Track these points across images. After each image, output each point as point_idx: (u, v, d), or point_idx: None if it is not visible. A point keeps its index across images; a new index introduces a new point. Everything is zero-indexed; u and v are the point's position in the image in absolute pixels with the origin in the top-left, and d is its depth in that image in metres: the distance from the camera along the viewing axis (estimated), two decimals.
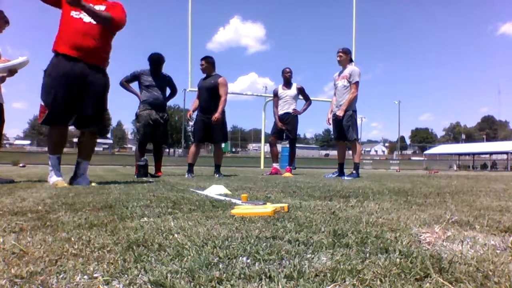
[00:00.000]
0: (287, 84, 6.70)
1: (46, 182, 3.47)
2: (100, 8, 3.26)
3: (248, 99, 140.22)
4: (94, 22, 3.19)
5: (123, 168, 13.44)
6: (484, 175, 8.92)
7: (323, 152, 72.31)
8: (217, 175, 5.50)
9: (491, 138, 78.44)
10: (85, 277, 0.69)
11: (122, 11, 3.38)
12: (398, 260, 0.78)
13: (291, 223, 1.22)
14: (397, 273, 0.70)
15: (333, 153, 47.94)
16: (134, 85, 5.60)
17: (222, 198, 2.09)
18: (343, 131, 5.63)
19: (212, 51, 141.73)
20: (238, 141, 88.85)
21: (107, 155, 47.38)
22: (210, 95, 5.52)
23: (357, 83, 5.57)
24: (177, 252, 0.85)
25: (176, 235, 1.03)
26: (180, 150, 49.19)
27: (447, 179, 5.41)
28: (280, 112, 6.62)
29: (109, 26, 3.27)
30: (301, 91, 6.74)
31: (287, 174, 6.24)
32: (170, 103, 6.66)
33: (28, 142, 65.32)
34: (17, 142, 67.31)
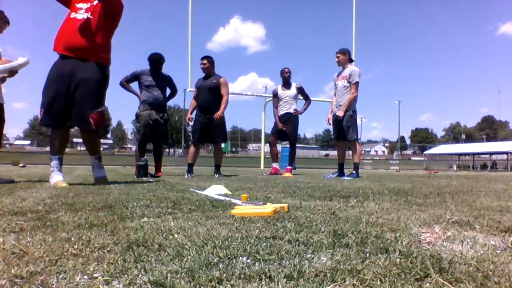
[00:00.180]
0: (287, 84, 6.70)
1: (46, 182, 3.48)
2: None
3: (248, 99, 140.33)
4: (91, 16, 3.19)
5: (123, 168, 13.43)
6: (484, 175, 8.92)
7: (323, 152, 72.28)
8: (217, 175, 5.50)
9: (491, 138, 78.45)
10: (85, 277, 0.69)
11: None
12: (398, 260, 0.78)
13: (291, 223, 1.22)
14: (397, 273, 0.70)
15: (333, 153, 47.89)
16: (134, 85, 5.61)
17: (222, 198, 2.09)
18: (343, 131, 5.63)
19: (212, 51, 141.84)
20: (238, 141, 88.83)
21: (107, 155, 47.24)
22: (212, 95, 5.53)
23: (357, 83, 5.57)
24: (177, 252, 0.85)
25: (176, 235, 1.03)
26: (180, 150, 49.18)
27: (447, 179, 5.41)
28: (281, 112, 6.61)
29: (107, 4, 3.24)
30: (300, 90, 6.74)
31: (287, 174, 6.24)
32: (170, 103, 6.66)
33: (28, 142, 65.28)
34: (17, 142, 67.26)
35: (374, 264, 0.76)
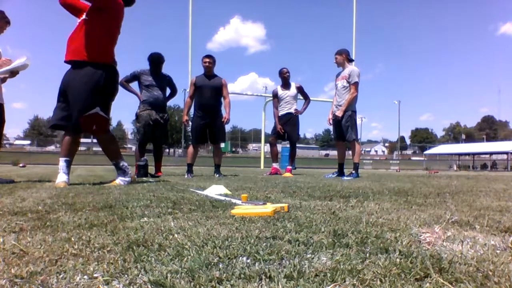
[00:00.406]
0: (286, 84, 6.69)
1: (46, 182, 3.48)
2: None
3: (248, 99, 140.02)
4: (86, 17, 3.19)
5: None
6: (484, 175, 8.92)
7: (323, 152, 72.24)
8: (217, 175, 5.50)
9: (491, 138, 78.39)
10: (85, 277, 0.69)
11: None
12: (398, 260, 0.78)
13: (291, 223, 1.22)
14: (397, 273, 0.70)
15: (333, 153, 47.90)
16: (134, 85, 5.60)
17: (222, 198, 2.09)
18: (342, 131, 5.63)
19: (212, 51, 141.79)
20: (238, 141, 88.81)
21: None
22: (215, 95, 5.57)
23: (356, 83, 5.57)
24: (177, 252, 0.85)
25: (176, 235, 1.03)
26: (180, 150, 49.18)
27: (447, 179, 5.41)
28: (282, 112, 6.61)
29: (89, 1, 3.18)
30: (300, 90, 6.73)
31: (287, 174, 6.24)
32: (170, 103, 6.66)
33: (28, 142, 65.22)
34: (17, 142, 67.22)
35: (374, 264, 0.76)
